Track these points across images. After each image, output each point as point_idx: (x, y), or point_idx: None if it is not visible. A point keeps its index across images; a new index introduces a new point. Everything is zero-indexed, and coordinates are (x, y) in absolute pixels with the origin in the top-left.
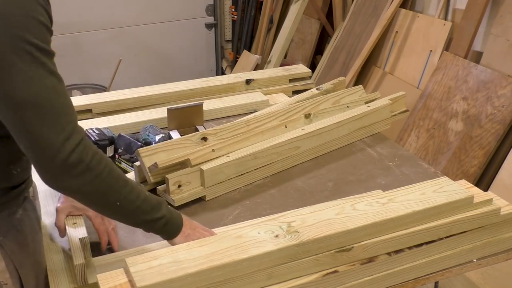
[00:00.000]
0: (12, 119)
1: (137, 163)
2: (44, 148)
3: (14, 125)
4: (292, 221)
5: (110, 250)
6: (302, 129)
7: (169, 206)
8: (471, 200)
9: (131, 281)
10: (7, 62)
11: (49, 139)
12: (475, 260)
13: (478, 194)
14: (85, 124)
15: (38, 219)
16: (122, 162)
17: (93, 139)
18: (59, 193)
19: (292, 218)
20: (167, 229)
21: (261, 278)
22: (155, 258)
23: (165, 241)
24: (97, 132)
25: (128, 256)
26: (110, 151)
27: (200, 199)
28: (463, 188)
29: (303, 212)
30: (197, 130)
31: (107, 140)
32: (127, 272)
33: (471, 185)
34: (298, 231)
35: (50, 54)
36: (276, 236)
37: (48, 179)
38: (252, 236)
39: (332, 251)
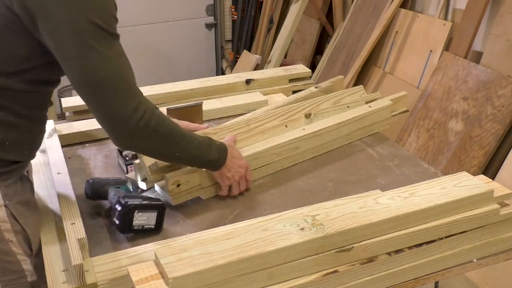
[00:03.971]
0: (91, 94)
1: (137, 161)
2: (118, 118)
3: (92, 100)
4: (316, 215)
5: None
6: (303, 129)
7: (216, 143)
8: (491, 194)
9: (161, 273)
10: (88, 46)
11: (122, 110)
12: (475, 260)
13: (497, 188)
14: (85, 124)
15: (32, 188)
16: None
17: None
18: None
19: (316, 212)
20: (217, 165)
21: (262, 278)
22: (184, 250)
23: (165, 241)
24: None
25: (127, 256)
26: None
27: (200, 199)
28: (483, 183)
29: (326, 206)
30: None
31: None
32: (157, 264)
33: (490, 179)
34: (323, 224)
35: (118, 38)
36: (302, 229)
37: (121, 143)
38: (278, 229)
39: (333, 251)
